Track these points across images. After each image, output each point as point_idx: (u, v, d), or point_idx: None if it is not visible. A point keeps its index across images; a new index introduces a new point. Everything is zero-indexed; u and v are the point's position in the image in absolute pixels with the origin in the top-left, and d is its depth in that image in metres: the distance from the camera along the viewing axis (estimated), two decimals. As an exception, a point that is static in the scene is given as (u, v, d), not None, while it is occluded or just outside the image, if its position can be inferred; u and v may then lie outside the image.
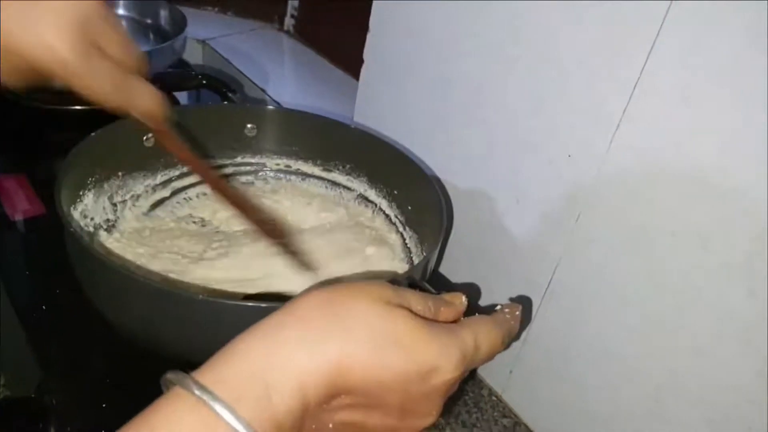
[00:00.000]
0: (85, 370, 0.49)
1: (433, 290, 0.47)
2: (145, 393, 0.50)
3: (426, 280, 0.51)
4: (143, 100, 0.41)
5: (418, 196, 0.60)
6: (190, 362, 0.48)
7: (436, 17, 0.62)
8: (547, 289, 0.57)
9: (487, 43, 0.57)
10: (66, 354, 0.49)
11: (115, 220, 0.56)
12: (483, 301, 0.64)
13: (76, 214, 0.52)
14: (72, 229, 0.44)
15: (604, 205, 0.51)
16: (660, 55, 0.44)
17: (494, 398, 0.65)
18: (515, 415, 0.64)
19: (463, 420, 0.63)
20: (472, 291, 0.63)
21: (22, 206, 0.63)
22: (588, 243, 0.53)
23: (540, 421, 0.62)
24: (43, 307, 0.52)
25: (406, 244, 0.62)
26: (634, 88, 0.46)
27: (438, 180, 0.65)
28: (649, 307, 0.49)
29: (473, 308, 0.38)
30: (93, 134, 0.52)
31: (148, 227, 0.57)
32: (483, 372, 0.66)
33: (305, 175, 0.69)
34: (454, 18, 0.60)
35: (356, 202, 0.67)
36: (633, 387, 0.53)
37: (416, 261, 0.59)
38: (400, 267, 0.59)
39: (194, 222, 0.60)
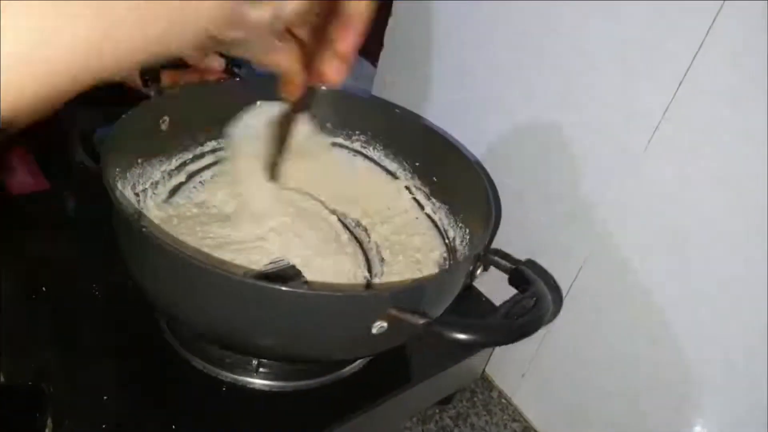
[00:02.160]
0: (86, 358, 0.46)
1: (507, 262, 0.47)
2: (147, 385, 0.49)
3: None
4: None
5: (447, 169, 0.58)
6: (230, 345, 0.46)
7: (463, 3, 0.59)
8: (568, 291, 0.55)
9: (516, 31, 0.55)
10: (66, 341, 0.47)
11: (140, 211, 0.53)
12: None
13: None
14: (145, 228, 0.40)
15: (638, 207, 0.48)
16: (708, 54, 0.42)
17: (504, 401, 0.63)
18: (525, 420, 0.62)
19: (472, 423, 0.61)
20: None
21: (24, 180, 0.60)
22: (617, 246, 0.50)
23: (551, 426, 0.60)
24: (43, 288, 0.49)
25: (429, 216, 0.60)
26: (678, 87, 0.43)
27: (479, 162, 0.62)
28: (679, 314, 0.47)
29: None
30: (119, 121, 0.49)
31: (173, 215, 0.55)
32: (494, 374, 0.64)
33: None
34: (481, 4, 0.58)
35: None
36: (654, 396, 0.51)
37: (451, 233, 0.58)
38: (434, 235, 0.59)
39: (214, 206, 0.58)
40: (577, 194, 0.53)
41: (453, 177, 0.58)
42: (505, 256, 0.49)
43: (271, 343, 0.43)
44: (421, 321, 0.39)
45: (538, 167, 0.56)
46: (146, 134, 0.54)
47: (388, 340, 0.43)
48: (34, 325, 0.48)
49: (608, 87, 0.48)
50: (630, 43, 0.46)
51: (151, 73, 0.61)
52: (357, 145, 0.64)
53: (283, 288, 0.38)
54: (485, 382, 0.64)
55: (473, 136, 0.61)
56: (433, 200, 0.60)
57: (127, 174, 0.52)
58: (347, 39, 0.38)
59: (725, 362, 0.45)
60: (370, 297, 0.43)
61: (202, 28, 0.26)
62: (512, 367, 0.62)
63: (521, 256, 0.59)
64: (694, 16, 0.42)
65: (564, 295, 0.55)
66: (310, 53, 0.40)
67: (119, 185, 0.50)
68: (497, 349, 0.61)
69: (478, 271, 0.48)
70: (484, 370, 0.64)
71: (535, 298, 0.43)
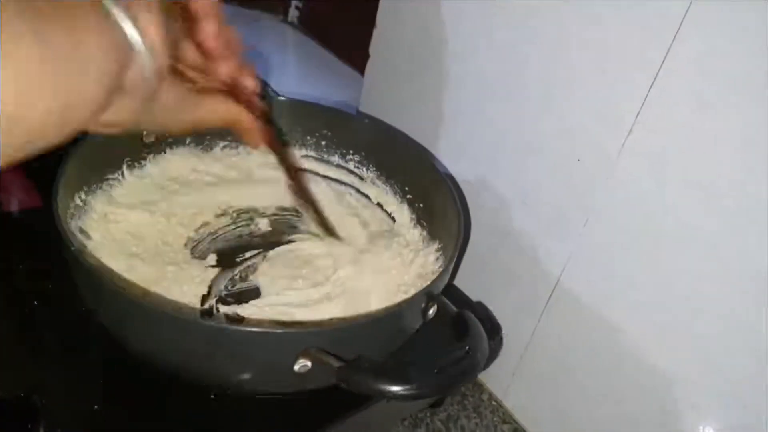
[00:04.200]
0: (77, 369, 0.47)
1: (451, 305, 0.45)
2: (138, 395, 0.50)
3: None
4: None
5: (434, 200, 0.60)
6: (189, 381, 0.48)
7: (444, 13, 0.61)
8: (552, 293, 0.56)
9: (497, 40, 0.56)
10: (57, 353, 0.48)
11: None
12: (487, 304, 0.62)
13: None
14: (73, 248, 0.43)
15: (614, 209, 0.49)
16: (676, 58, 0.43)
17: (494, 403, 0.64)
18: (515, 421, 0.62)
19: (462, 425, 0.61)
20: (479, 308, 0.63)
21: (18, 196, 0.61)
22: (596, 248, 0.51)
23: (541, 427, 0.61)
24: (35, 302, 0.50)
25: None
26: (649, 92, 0.44)
27: (454, 179, 0.64)
28: (658, 314, 0.48)
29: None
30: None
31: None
32: (484, 376, 0.65)
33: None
34: (463, 14, 0.59)
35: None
36: (640, 395, 0.51)
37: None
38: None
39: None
40: (558, 199, 0.54)
41: (438, 207, 0.59)
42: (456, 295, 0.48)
43: (193, 371, 0.44)
44: (337, 364, 0.38)
45: (520, 172, 0.57)
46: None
47: (316, 379, 0.41)
48: (27, 339, 0.49)
49: (586, 93, 0.49)
50: (606, 48, 0.47)
51: None
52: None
53: (198, 320, 0.40)
54: (475, 385, 0.65)
55: (456, 147, 0.63)
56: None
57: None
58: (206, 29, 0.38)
59: (708, 362, 0.46)
60: (286, 335, 0.41)
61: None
62: (502, 370, 0.63)
63: (502, 259, 0.60)
64: (661, 21, 0.43)
65: (548, 296, 0.56)
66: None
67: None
68: (486, 352, 0.62)
69: (431, 311, 0.45)
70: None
71: (467, 348, 0.41)
